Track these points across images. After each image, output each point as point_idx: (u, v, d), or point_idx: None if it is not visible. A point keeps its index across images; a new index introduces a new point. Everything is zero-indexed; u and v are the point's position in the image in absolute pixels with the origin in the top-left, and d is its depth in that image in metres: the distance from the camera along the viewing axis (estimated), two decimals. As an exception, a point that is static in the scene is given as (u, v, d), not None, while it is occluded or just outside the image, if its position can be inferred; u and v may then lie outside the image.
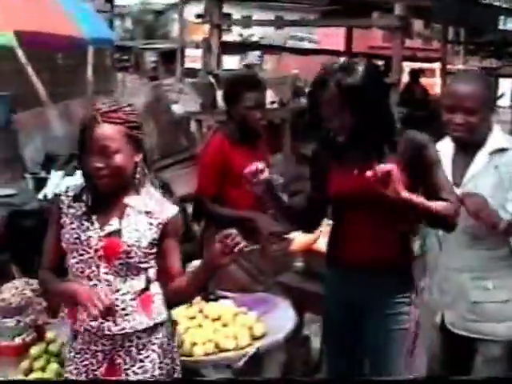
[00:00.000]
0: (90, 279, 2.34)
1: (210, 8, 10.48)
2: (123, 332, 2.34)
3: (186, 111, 8.55)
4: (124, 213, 2.38)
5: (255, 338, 2.93)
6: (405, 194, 2.40)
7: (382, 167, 2.34)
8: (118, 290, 2.34)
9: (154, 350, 2.40)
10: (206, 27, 10.93)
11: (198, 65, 20.54)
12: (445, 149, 2.93)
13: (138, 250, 2.34)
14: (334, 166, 2.72)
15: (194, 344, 2.85)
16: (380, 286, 2.70)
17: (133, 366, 2.37)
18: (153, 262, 2.43)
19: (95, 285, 2.33)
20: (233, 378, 2.85)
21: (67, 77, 10.04)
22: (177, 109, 8.82)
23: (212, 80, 8.60)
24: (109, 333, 2.33)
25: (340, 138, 2.63)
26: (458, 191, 2.77)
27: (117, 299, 2.33)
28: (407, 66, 15.31)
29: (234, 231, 2.29)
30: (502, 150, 2.86)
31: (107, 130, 2.30)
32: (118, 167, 2.32)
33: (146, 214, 2.39)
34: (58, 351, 2.52)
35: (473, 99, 2.79)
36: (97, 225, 2.36)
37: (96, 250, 2.34)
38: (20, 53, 7.47)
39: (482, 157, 2.88)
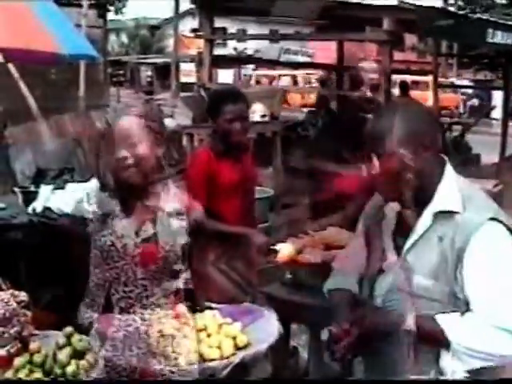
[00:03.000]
0: (125, 285, 2.35)
1: (204, 22, 10.55)
2: None
3: (178, 125, 8.61)
4: (157, 217, 2.37)
5: (239, 348, 2.96)
6: None
7: None
8: (153, 295, 2.36)
9: None
10: (202, 41, 11.00)
11: (193, 79, 20.65)
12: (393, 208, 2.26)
13: (174, 254, 2.36)
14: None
15: (179, 354, 2.87)
16: None
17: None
18: (186, 264, 2.46)
19: (131, 290, 2.34)
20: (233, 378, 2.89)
21: (59, 92, 10.11)
22: (169, 123, 8.88)
23: (203, 94, 8.66)
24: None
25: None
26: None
27: (152, 303, 2.36)
28: (399, 78, 15.44)
29: None
30: (449, 214, 2.07)
31: (127, 123, 2.35)
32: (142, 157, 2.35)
33: (177, 215, 2.41)
34: (42, 361, 2.55)
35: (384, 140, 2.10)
36: (131, 231, 2.34)
37: (133, 257, 2.32)
38: (12, 68, 7.53)
39: (426, 218, 2.13)
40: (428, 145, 2.09)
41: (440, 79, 16.14)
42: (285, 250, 3.93)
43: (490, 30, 8.69)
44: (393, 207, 2.23)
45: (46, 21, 4.62)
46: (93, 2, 12.22)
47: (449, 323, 2.02)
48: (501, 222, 2.05)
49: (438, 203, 2.09)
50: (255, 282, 4.14)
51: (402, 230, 2.19)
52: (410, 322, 2.05)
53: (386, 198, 2.20)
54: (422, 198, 2.11)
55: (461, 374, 2.02)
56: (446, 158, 2.18)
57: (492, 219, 2.04)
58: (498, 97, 19.40)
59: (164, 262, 2.35)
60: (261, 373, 3.70)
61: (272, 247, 3.95)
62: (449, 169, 2.16)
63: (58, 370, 2.50)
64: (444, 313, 2.05)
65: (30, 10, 4.66)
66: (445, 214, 2.07)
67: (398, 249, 2.19)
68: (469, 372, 2.02)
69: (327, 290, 2.56)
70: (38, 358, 2.56)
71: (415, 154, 2.06)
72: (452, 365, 2.03)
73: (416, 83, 21.86)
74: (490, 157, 11.16)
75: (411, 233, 2.14)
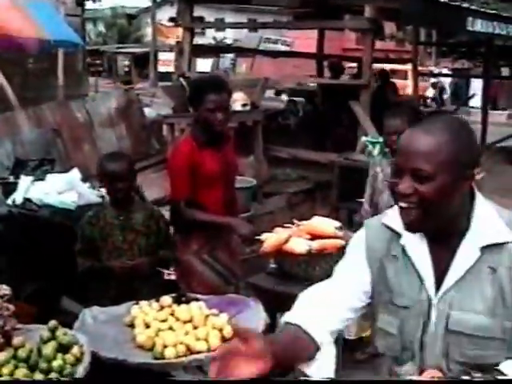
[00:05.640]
0: None
1: (183, 11, 10.46)
2: None
3: (158, 115, 8.54)
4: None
5: (226, 340, 2.93)
6: None
7: None
8: None
9: None
10: (180, 31, 10.91)
11: (171, 68, 20.52)
12: (414, 237, 1.95)
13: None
14: None
15: (166, 346, 2.84)
16: None
17: None
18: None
19: None
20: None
21: (38, 81, 9.99)
22: (149, 112, 8.81)
23: (184, 83, 8.58)
24: None
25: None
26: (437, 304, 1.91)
27: None
28: (378, 67, 15.44)
29: None
30: (501, 245, 1.88)
31: None
32: None
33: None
34: (27, 356, 2.50)
35: (427, 157, 1.78)
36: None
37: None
38: (-11, 57, 7.41)
39: (467, 252, 1.89)
40: (469, 176, 1.83)
41: (419, 68, 16.17)
42: (270, 239, 3.90)
43: (470, 19, 8.71)
44: (416, 241, 1.94)
45: (29, 7, 4.54)
46: (70, -11, 12.05)
47: None
48: None
49: (481, 235, 1.87)
50: (239, 272, 4.12)
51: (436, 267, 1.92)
52: None
53: (409, 227, 1.87)
54: (452, 230, 1.90)
55: None
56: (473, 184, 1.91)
57: None
58: (476, 85, 19.51)
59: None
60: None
61: (257, 237, 3.93)
62: (479, 197, 1.92)
63: (43, 365, 2.45)
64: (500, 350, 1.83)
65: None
66: (495, 246, 1.86)
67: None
68: None
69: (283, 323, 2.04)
70: (22, 353, 2.51)
71: (453, 183, 1.80)
72: None
73: (394, 72, 21.88)
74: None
75: (448, 269, 1.90)
